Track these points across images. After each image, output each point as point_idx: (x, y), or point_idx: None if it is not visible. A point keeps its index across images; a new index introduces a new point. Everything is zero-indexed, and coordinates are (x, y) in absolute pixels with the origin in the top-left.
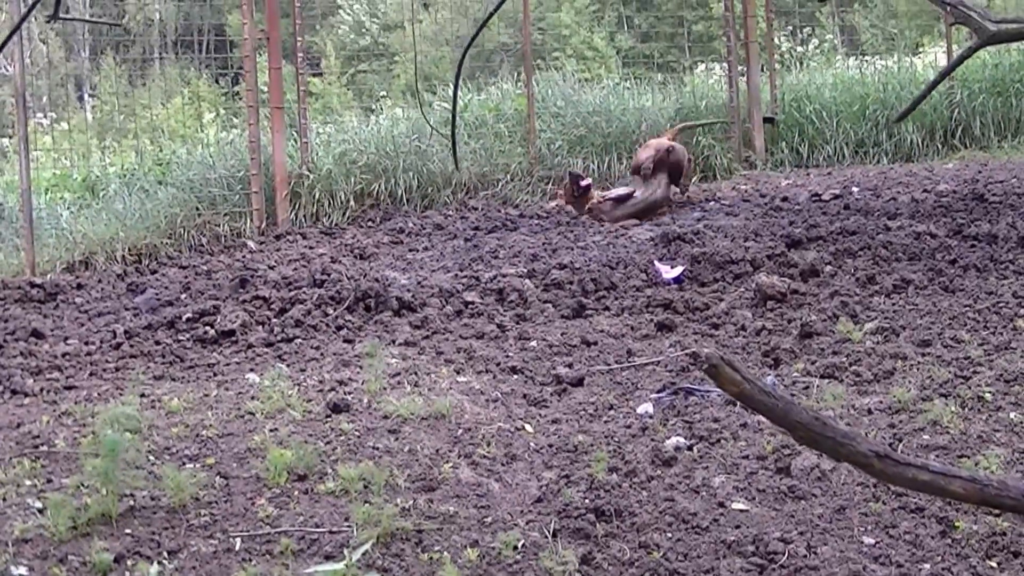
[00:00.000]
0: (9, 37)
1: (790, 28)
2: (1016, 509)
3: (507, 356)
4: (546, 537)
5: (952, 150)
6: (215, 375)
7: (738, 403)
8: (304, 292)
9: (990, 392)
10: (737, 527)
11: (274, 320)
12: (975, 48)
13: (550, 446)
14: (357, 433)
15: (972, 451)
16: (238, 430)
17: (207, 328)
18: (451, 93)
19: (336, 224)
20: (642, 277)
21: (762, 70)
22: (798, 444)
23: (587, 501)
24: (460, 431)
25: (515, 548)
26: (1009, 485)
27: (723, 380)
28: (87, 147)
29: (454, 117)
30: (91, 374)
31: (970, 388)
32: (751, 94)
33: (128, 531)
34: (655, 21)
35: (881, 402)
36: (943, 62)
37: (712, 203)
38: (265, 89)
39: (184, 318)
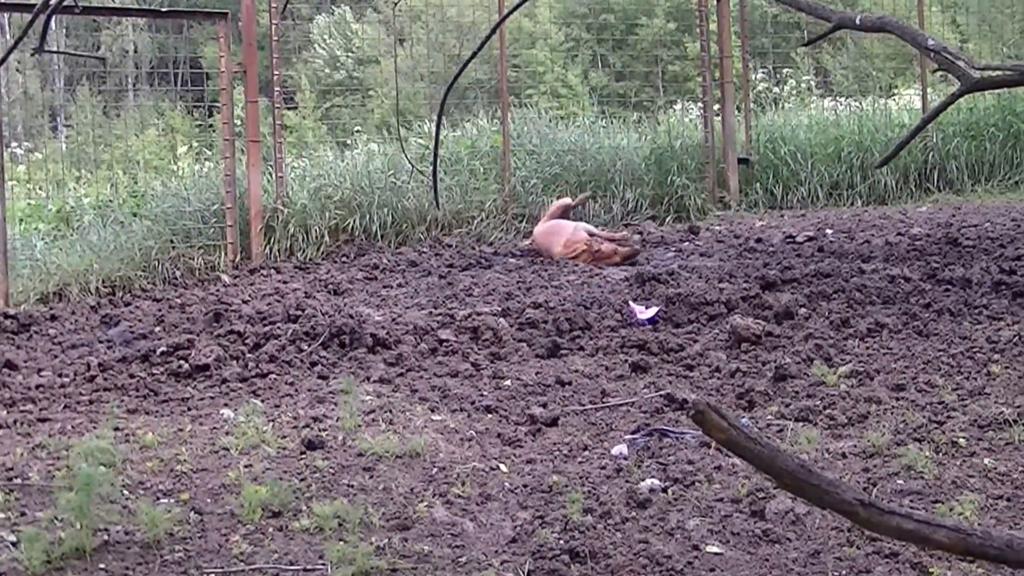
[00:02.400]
0: None
1: (765, 69)
2: (999, 559)
3: (481, 395)
4: None
5: (926, 193)
6: (189, 409)
7: (712, 445)
8: (278, 327)
9: (964, 437)
10: (711, 570)
11: (248, 355)
12: (958, 95)
13: (525, 486)
14: (332, 470)
15: (946, 496)
16: (212, 465)
17: (181, 362)
18: (426, 129)
19: (310, 259)
20: (617, 317)
21: (737, 110)
22: (776, 489)
23: (561, 542)
24: (435, 470)
25: None
26: (993, 535)
27: (710, 427)
28: (62, 177)
29: (436, 157)
30: (65, 407)
31: (944, 433)
32: (726, 134)
33: (102, 566)
34: (630, 60)
35: (855, 446)
36: (918, 104)
37: (686, 243)
38: (239, 122)
39: (158, 351)
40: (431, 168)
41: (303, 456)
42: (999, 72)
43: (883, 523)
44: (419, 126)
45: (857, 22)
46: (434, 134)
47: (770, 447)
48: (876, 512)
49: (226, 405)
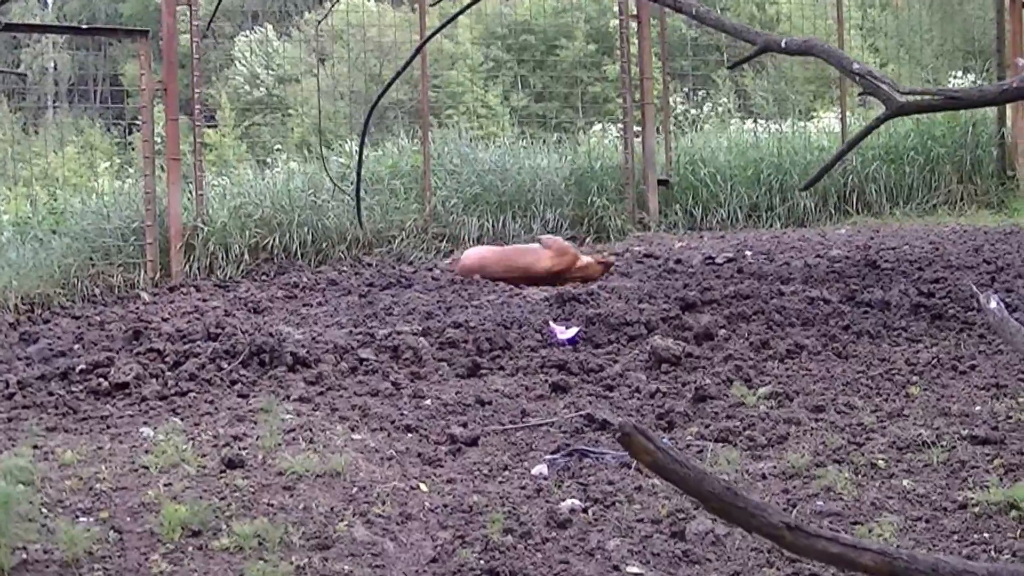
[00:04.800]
0: None
1: (686, 90)
2: None
3: (402, 414)
4: None
5: (845, 216)
6: (109, 428)
7: (633, 465)
8: (198, 346)
9: (883, 459)
10: None
11: (168, 373)
12: (883, 119)
13: (445, 506)
14: (252, 489)
15: (866, 518)
16: (132, 484)
17: (101, 380)
18: (347, 148)
19: (230, 277)
20: (537, 337)
21: (657, 132)
22: (697, 509)
23: (482, 562)
24: (355, 489)
25: None
26: (918, 558)
27: (636, 449)
28: None
29: (359, 177)
30: None
31: (863, 455)
32: (646, 156)
33: None
34: (550, 81)
35: (775, 467)
36: (837, 128)
37: None
38: (159, 140)
39: (77, 369)
40: (353, 187)
41: (223, 475)
42: (924, 96)
43: (809, 546)
44: (340, 145)
45: (783, 45)
46: (357, 154)
47: (697, 470)
48: (802, 535)
49: (146, 423)
